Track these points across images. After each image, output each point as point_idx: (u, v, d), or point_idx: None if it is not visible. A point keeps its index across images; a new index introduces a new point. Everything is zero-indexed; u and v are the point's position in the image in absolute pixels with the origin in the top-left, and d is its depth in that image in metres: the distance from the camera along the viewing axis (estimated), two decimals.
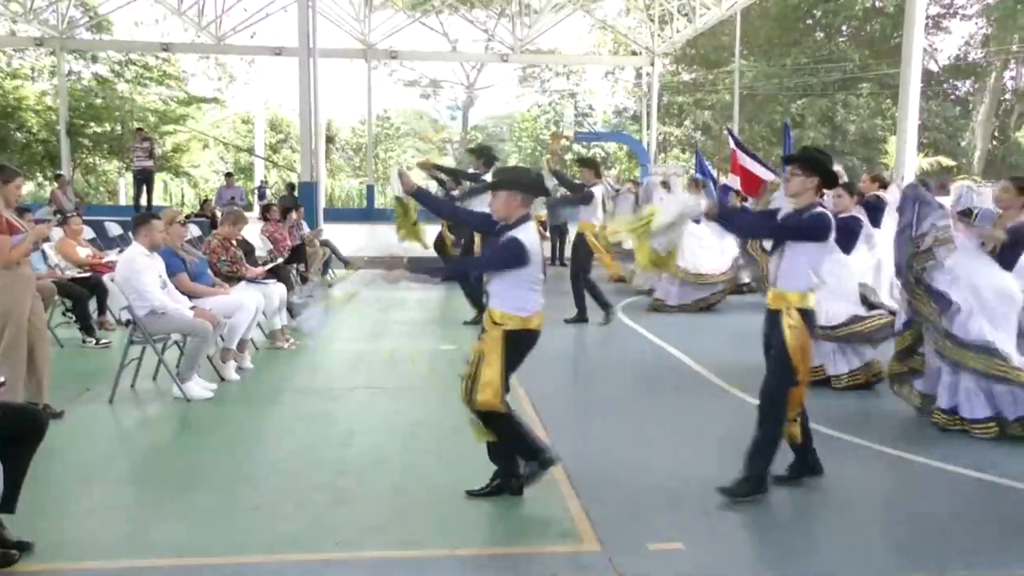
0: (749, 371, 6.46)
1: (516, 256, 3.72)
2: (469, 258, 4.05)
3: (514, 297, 3.79)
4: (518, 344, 3.82)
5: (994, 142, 33.94)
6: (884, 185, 9.37)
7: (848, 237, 6.17)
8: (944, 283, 4.95)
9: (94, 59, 28.16)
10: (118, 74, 28.64)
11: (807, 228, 3.88)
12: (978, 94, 33.91)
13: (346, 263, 12.51)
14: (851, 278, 6.28)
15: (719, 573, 3.31)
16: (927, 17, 25.79)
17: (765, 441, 3.94)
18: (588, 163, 9.76)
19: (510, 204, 3.78)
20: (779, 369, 3.91)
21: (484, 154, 9.05)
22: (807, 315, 3.89)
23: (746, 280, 10.64)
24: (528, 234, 3.74)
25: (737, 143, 12.29)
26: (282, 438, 4.98)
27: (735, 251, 10.05)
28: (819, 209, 3.90)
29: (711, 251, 10.11)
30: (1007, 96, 34.27)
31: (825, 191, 4.07)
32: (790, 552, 3.51)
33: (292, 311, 8.28)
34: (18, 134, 27.03)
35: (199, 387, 5.72)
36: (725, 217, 4.31)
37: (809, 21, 34.15)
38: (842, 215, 6.26)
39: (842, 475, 4.36)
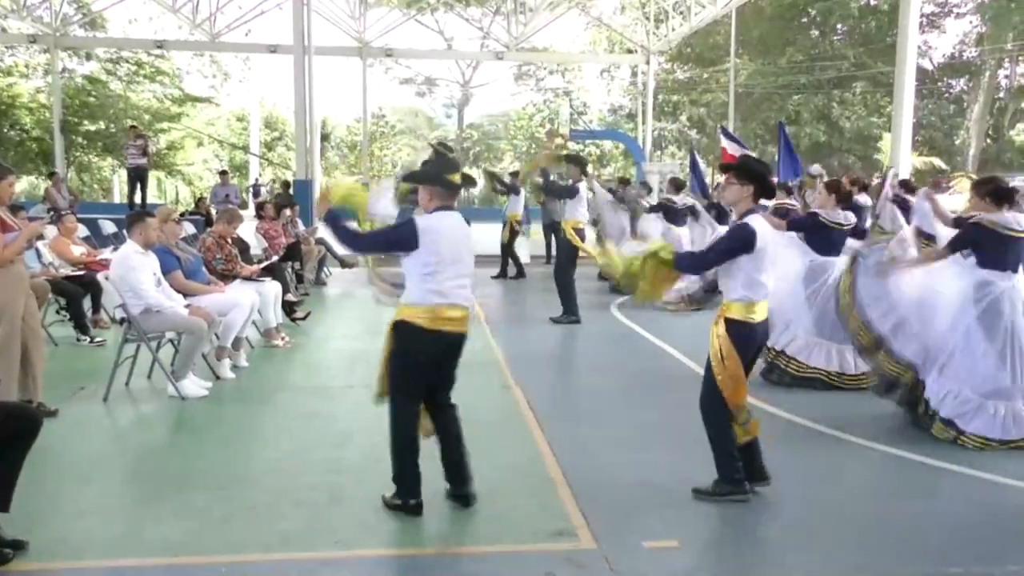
0: None
1: (400, 237, 3.61)
2: (367, 234, 3.89)
3: (411, 288, 3.69)
4: (410, 342, 3.68)
5: (988, 140, 34.03)
6: (864, 187, 9.38)
7: (812, 236, 6.19)
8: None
9: (88, 57, 28.05)
10: (110, 72, 28.53)
11: (727, 247, 3.85)
12: (972, 92, 33.99)
13: (341, 261, 12.48)
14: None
15: (714, 571, 3.32)
16: (922, 15, 25.87)
17: (714, 442, 3.94)
18: (574, 160, 9.67)
19: (423, 198, 3.77)
20: (706, 376, 3.93)
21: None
22: (735, 326, 3.83)
23: None
24: (430, 220, 3.65)
25: (730, 138, 12.35)
26: (278, 437, 4.97)
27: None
28: (743, 220, 3.85)
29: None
30: (1001, 95, 34.35)
31: (763, 200, 4.04)
32: (785, 550, 3.52)
33: (288, 309, 8.27)
34: (12, 132, 26.93)
35: (194, 385, 5.71)
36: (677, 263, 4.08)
37: (804, 19, 34.18)
38: (800, 214, 6.28)
39: (838, 473, 4.38)
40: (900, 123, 14.07)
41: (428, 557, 3.39)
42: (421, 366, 3.73)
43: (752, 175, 3.90)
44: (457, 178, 3.77)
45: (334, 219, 3.77)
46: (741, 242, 3.81)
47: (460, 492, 3.82)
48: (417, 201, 3.87)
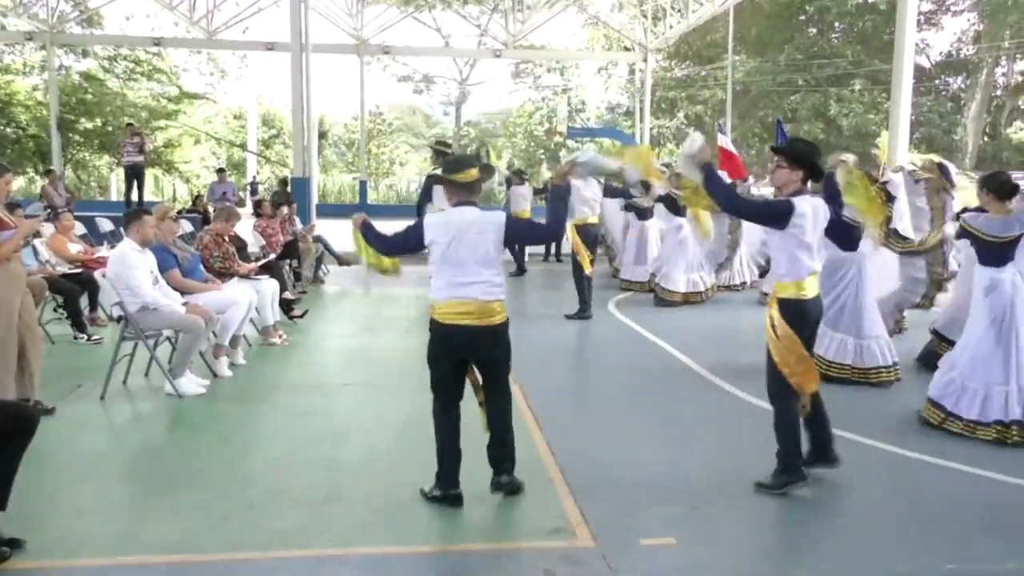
0: (742, 367, 6.50)
1: (408, 239, 3.83)
2: (388, 237, 4.06)
3: (432, 283, 3.84)
4: (431, 335, 3.82)
5: (985, 138, 34.09)
6: (873, 180, 9.35)
7: (835, 232, 6.17)
8: None
9: (84, 54, 28.01)
10: (107, 70, 28.49)
11: (760, 210, 4.04)
12: (970, 90, 34.03)
13: (339, 259, 12.46)
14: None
15: (711, 568, 3.32)
16: (919, 13, 25.88)
17: (780, 429, 3.98)
18: None
19: (444, 196, 3.93)
20: (767, 361, 3.99)
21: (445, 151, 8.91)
22: (787, 304, 3.90)
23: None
24: (437, 216, 3.83)
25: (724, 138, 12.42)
26: (275, 435, 4.96)
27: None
28: (785, 197, 3.93)
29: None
30: (998, 92, 34.39)
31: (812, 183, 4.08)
32: (781, 547, 3.53)
33: (285, 307, 8.26)
34: (8, 129, 26.89)
35: (191, 383, 5.71)
36: (709, 175, 4.11)
37: (802, 17, 34.21)
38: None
39: (835, 470, 4.37)
40: (898, 120, 14.05)
41: (426, 555, 3.39)
42: (438, 357, 3.83)
43: (801, 159, 3.94)
44: (468, 174, 3.81)
45: (367, 228, 3.98)
46: (773, 212, 3.92)
47: (493, 480, 3.90)
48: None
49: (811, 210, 3.87)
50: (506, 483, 3.88)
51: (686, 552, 3.40)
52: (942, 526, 3.71)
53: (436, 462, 3.84)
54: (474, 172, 3.80)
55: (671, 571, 3.24)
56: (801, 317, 3.91)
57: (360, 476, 4.19)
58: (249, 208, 18.04)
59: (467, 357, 3.83)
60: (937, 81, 34.79)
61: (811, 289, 3.93)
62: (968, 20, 34.37)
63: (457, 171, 3.82)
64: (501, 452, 3.90)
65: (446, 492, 3.79)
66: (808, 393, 3.98)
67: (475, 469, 3.90)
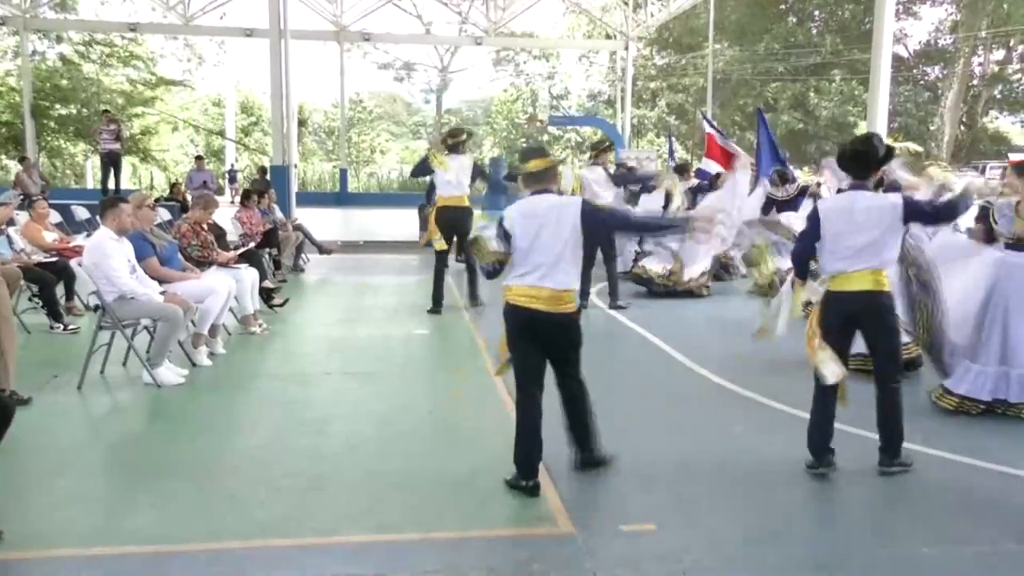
0: (724, 356, 6.55)
1: (498, 232, 3.97)
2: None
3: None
4: (505, 319, 3.93)
5: (962, 127, 34.43)
6: None
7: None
8: None
9: (59, 39, 27.57)
10: (83, 55, 28.06)
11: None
12: (947, 80, 34.33)
13: (320, 248, 12.40)
14: None
15: (691, 553, 3.35)
16: (897, 3, 26.04)
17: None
18: (592, 146, 9.66)
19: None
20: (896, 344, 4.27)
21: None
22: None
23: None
24: (513, 207, 3.93)
25: (711, 126, 12.42)
26: (256, 424, 4.94)
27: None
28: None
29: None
30: (975, 82, 34.72)
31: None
32: (760, 533, 3.56)
33: (265, 296, 8.21)
34: None
35: (170, 373, 5.66)
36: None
37: (782, 6, 34.33)
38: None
39: None
40: (875, 110, 14.14)
41: (407, 543, 3.39)
42: (514, 341, 3.88)
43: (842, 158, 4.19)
44: (533, 164, 3.95)
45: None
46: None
47: (586, 458, 4.01)
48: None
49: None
50: (601, 456, 4.05)
51: (665, 537, 3.43)
52: (917, 511, 3.77)
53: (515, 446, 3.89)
54: (539, 162, 3.97)
55: (650, 556, 3.27)
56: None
57: (342, 465, 4.19)
58: (227, 196, 17.92)
59: (542, 342, 3.87)
60: (915, 71, 35.04)
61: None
62: (946, 10, 34.66)
63: (525, 161, 4.01)
64: (582, 432, 4.03)
65: (517, 481, 3.85)
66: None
67: (457, 456, 3.91)
